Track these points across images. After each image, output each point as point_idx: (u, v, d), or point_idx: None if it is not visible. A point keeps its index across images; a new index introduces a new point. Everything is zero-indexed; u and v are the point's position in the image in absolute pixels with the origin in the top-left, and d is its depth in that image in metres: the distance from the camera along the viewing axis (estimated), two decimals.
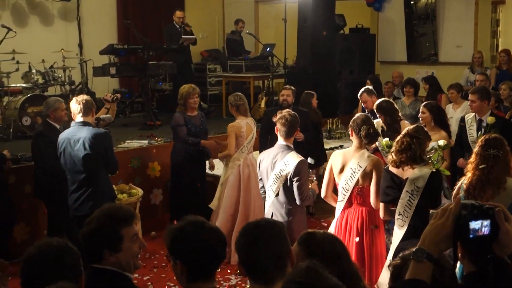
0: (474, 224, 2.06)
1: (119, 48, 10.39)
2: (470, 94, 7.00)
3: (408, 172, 4.81)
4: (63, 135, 5.96)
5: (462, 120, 7.09)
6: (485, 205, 2.10)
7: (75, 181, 5.92)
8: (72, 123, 5.96)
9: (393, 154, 4.89)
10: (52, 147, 6.15)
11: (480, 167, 4.55)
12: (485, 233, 2.06)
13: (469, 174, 4.62)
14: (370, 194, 5.25)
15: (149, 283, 6.51)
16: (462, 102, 8.33)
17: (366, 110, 7.66)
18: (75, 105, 5.88)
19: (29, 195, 7.07)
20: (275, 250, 2.58)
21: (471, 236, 2.06)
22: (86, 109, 5.87)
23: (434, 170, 4.78)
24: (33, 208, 7.16)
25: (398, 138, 4.93)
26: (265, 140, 7.85)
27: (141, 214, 7.36)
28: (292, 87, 8.07)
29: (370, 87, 7.84)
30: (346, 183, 5.33)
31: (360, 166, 5.25)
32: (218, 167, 7.65)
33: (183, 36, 11.01)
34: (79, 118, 5.89)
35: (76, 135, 5.81)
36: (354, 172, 5.27)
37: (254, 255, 2.59)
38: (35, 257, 2.60)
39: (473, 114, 6.93)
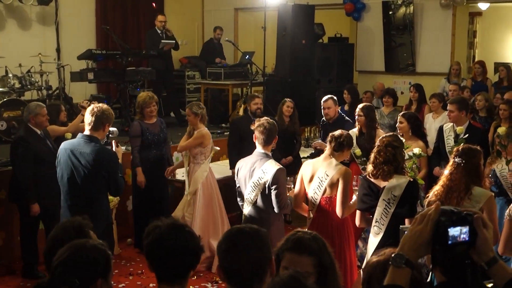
0: (453, 231, 2.07)
1: (97, 54, 10.31)
2: (448, 104, 7.08)
3: (385, 181, 4.83)
4: (65, 145, 5.52)
5: (441, 129, 7.15)
6: (464, 212, 2.12)
7: (71, 196, 5.49)
8: (79, 135, 5.54)
9: (372, 165, 4.88)
10: (31, 152, 6.07)
11: (446, 175, 4.68)
12: (463, 239, 2.08)
13: (440, 182, 4.70)
14: None
15: None
16: (442, 112, 8.40)
17: (324, 118, 7.76)
18: (88, 115, 5.43)
19: (3, 200, 6.99)
20: (255, 257, 2.56)
21: (449, 242, 2.07)
22: (98, 124, 5.40)
23: (412, 179, 4.82)
24: (8, 213, 7.07)
25: (379, 149, 4.87)
26: (236, 150, 7.85)
27: (117, 220, 7.32)
28: (260, 95, 8.18)
29: (334, 97, 7.89)
30: (314, 192, 5.35)
31: (327, 175, 5.25)
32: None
33: (162, 41, 10.97)
34: (87, 130, 5.45)
35: (80, 149, 5.37)
36: (321, 181, 5.28)
37: (234, 260, 2.57)
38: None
39: (451, 124, 7.00)
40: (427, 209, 2.14)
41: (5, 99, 9.06)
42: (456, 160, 4.66)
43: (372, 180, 4.91)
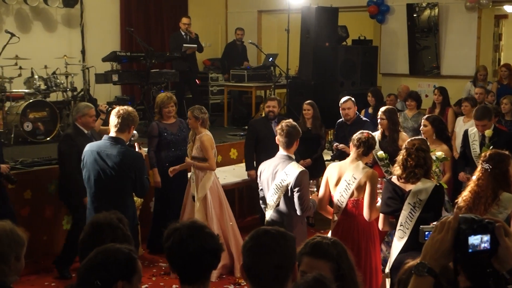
0: (474, 239, 2.05)
1: (121, 55, 10.40)
2: (475, 120, 6.95)
3: (410, 185, 4.80)
4: (91, 147, 5.57)
5: (465, 134, 7.06)
6: (485, 220, 2.09)
7: (98, 198, 5.53)
8: (104, 136, 5.60)
9: (401, 168, 4.80)
10: (77, 151, 6.10)
11: (474, 180, 4.65)
12: (484, 248, 2.06)
13: (468, 188, 4.66)
14: None
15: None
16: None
17: (343, 119, 7.72)
18: (114, 117, 5.47)
19: (29, 200, 7.07)
20: (278, 259, 2.54)
21: (470, 250, 2.05)
22: (123, 126, 5.45)
23: (438, 184, 4.79)
24: (33, 213, 7.14)
25: (409, 152, 4.80)
26: (252, 151, 7.85)
27: (140, 222, 7.35)
28: (277, 98, 8.12)
29: (353, 98, 7.88)
30: (341, 195, 5.32)
31: (354, 178, 5.24)
32: None
33: (184, 45, 11.01)
34: (112, 132, 5.50)
35: (107, 151, 5.42)
36: (348, 184, 5.26)
37: (256, 260, 2.56)
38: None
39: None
40: (445, 217, 2.13)
41: (31, 100, 9.16)
42: (484, 165, 4.63)
43: (397, 183, 4.87)
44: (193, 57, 11.47)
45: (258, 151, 7.78)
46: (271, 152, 5.61)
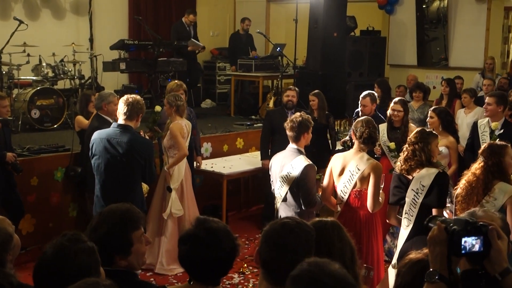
0: (467, 240, 2.12)
1: (129, 44, 10.41)
2: (487, 97, 6.96)
3: (415, 173, 4.83)
4: (100, 135, 5.54)
5: (475, 125, 7.04)
6: (479, 222, 2.16)
7: (108, 185, 5.55)
8: (113, 124, 5.58)
9: (401, 161, 4.93)
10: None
11: (471, 170, 4.71)
12: (477, 249, 2.12)
13: (465, 177, 4.70)
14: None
15: (152, 279, 6.53)
16: (474, 108, 8.29)
17: (359, 114, 7.53)
18: (122, 104, 5.47)
19: (35, 187, 7.10)
20: (292, 250, 2.53)
21: (463, 252, 2.12)
22: (132, 113, 5.45)
23: (441, 171, 4.81)
24: (40, 200, 7.18)
25: (404, 147, 4.98)
26: (267, 141, 7.84)
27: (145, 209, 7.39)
28: (296, 88, 8.05)
29: (375, 94, 7.74)
30: (344, 185, 5.31)
31: (358, 169, 5.22)
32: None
33: (192, 40, 10.95)
34: (121, 120, 5.49)
35: (117, 138, 5.41)
36: (352, 175, 5.25)
37: (270, 248, 2.56)
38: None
39: (487, 119, 6.89)
40: (431, 231, 2.20)
41: (38, 88, 9.19)
42: (480, 157, 4.68)
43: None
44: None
45: (273, 141, 7.79)
46: (286, 142, 5.57)
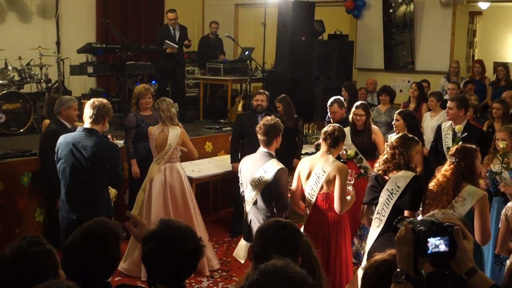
0: (433, 241, 2.15)
1: (97, 47, 10.34)
2: (449, 101, 7.06)
3: (392, 174, 4.87)
4: (65, 139, 5.47)
5: (439, 128, 7.15)
6: (444, 223, 2.20)
7: (73, 189, 5.48)
8: (79, 128, 5.52)
9: (380, 162, 4.98)
10: None
11: (441, 171, 4.77)
12: (443, 250, 2.16)
13: (434, 179, 4.77)
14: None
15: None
16: (439, 111, 8.39)
17: (331, 121, 7.52)
18: (88, 108, 5.40)
19: (1, 192, 7.01)
20: (282, 251, 2.56)
21: (429, 252, 2.16)
22: (98, 117, 5.39)
23: (418, 174, 4.87)
24: (6, 205, 7.08)
25: (385, 150, 5.03)
26: (237, 144, 7.86)
27: (114, 213, 7.33)
28: (266, 92, 8.04)
29: (342, 98, 7.77)
30: (311, 188, 5.33)
31: (324, 172, 5.25)
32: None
33: (166, 41, 10.91)
34: (87, 123, 5.43)
35: (82, 142, 5.36)
36: (318, 177, 5.28)
37: (262, 246, 2.71)
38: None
39: (450, 122, 6.99)
40: (399, 232, 2.23)
41: (4, 92, 9.08)
42: (451, 159, 4.73)
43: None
44: (180, 51, 11.35)
45: (243, 144, 7.79)
46: (256, 146, 5.58)
